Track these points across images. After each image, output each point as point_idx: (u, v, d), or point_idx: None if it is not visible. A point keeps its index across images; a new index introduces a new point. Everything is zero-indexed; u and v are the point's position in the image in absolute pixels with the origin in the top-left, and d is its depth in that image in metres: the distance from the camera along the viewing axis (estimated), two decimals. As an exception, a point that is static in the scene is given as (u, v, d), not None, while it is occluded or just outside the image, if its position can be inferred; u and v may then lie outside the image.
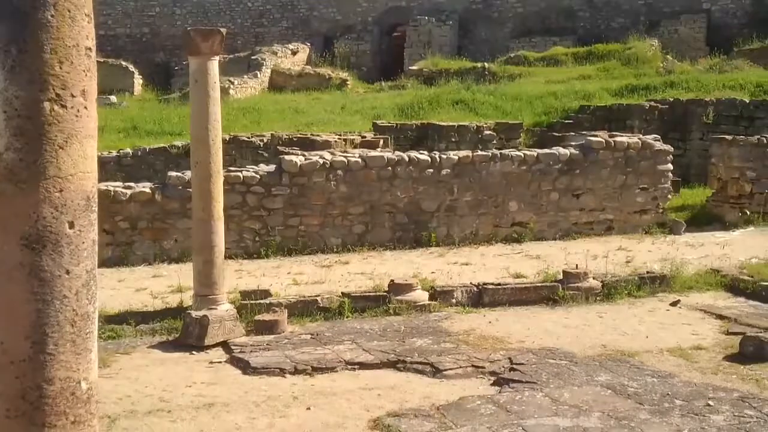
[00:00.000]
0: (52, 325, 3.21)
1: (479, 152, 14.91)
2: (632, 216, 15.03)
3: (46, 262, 3.21)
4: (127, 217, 12.76)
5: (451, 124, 20.85)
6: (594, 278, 11.11)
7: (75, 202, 3.28)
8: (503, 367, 8.21)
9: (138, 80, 33.13)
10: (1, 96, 3.21)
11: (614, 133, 16.38)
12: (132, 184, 13.31)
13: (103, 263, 11.17)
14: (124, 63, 32.86)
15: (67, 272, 3.25)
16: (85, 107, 3.34)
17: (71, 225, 3.27)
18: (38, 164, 3.21)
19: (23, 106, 3.20)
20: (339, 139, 18.06)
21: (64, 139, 3.25)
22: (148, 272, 12.17)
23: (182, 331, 9.19)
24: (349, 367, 8.27)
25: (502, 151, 15.05)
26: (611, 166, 14.88)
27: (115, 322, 9.48)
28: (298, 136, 18.95)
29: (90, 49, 3.37)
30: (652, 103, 21.65)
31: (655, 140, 15.35)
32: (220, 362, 8.53)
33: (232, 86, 28.46)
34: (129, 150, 18.19)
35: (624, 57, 28.71)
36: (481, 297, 10.71)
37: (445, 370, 8.15)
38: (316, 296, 10.24)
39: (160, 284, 11.27)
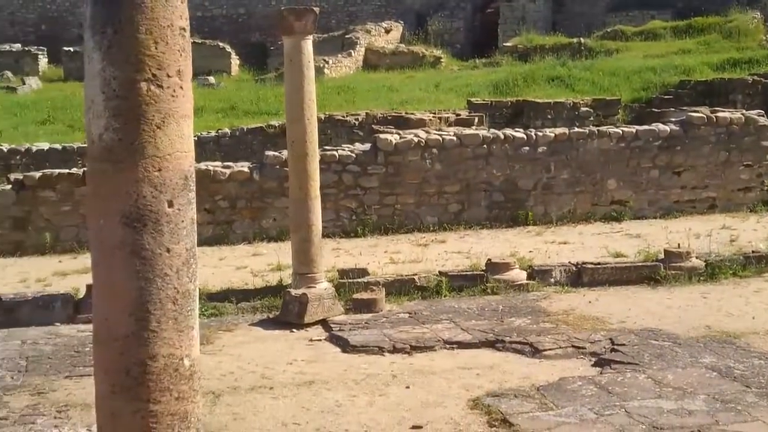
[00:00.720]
0: (154, 302, 3.25)
1: (576, 129, 14.65)
2: (735, 194, 14.57)
3: (147, 241, 3.24)
4: (226, 196, 12.94)
5: (546, 101, 20.55)
6: (697, 257, 10.79)
7: (173, 181, 3.30)
8: (604, 347, 8.05)
9: (235, 61, 33.51)
10: (100, 77, 3.25)
11: (716, 108, 15.88)
12: (230, 163, 13.48)
13: (204, 242, 11.36)
14: (221, 44, 33.25)
15: (168, 250, 3.28)
16: (181, 87, 3.35)
17: (170, 204, 3.29)
18: (136, 144, 3.24)
19: (120, 87, 3.23)
20: (433, 117, 17.95)
21: (161, 118, 3.27)
22: (247, 251, 12.34)
23: (282, 308, 9.28)
24: (448, 346, 8.22)
25: (600, 128, 14.76)
26: (713, 143, 14.44)
27: (217, 299, 9.63)
28: (393, 114, 18.91)
29: (184, 29, 3.37)
30: (755, 78, 20.92)
31: (759, 116, 14.83)
32: (319, 340, 8.59)
33: (326, 65, 28.55)
34: (227, 130, 18.43)
35: (725, 30, 27.79)
36: (580, 276, 10.52)
37: (545, 350, 8.03)
38: (413, 275, 10.21)
39: (259, 262, 11.41)
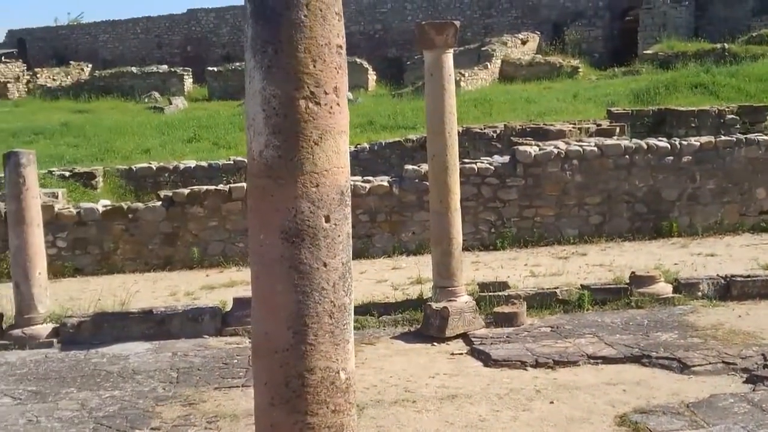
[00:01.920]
0: (311, 316, 3.30)
1: (722, 137, 14.18)
2: None
3: (305, 255, 3.31)
4: (366, 210, 13.08)
5: (690, 108, 19.98)
6: None
7: (330, 197, 3.36)
8: (756, 363, 7.74)
9: (372, 76, 33.96)
10: (260, 95, 3.33)
11: None
12: (370, 177, 13.63)
13: (345, 255, 11.49)
14: (358, 60, 33.74)
15: (325, 265, 3.34)
16: (338, 104, 3.41)
17: (327, 219, 3.35)
18: (295, 160, 3.31)
19: (280, 105, 3.30)
20: (573, 127, 17.70)
21: (319, 135, 3.33)
22: (387, 264, 12.43)
23: (423, 322, 9.30)
24: (592, 360, 8.07)
25: (748, 136, 14.25)
26: None
27: (359, 312, 9.72)
28: (531, 126, 18.75)
29: (341, 46, 3.43)
30: None
31: None
32: (461, 354, 8.57)
33: (462, 78, 28.59)
34: (366, 144, 18.65)
35: None
36: (728, 290, 10.15)
37: (694, 366, 7.79)
38: (554, 288, 10.07)
39: (399, 276, 11.48)
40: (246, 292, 10.12)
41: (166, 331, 9.42)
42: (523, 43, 34.84)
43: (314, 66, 3.32)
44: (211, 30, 46.29)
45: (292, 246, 3.30)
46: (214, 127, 24.11)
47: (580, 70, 31.52)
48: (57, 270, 12.09)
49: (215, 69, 35.95)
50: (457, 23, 9.60)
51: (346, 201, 3.43)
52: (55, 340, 9.30)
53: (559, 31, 36.71)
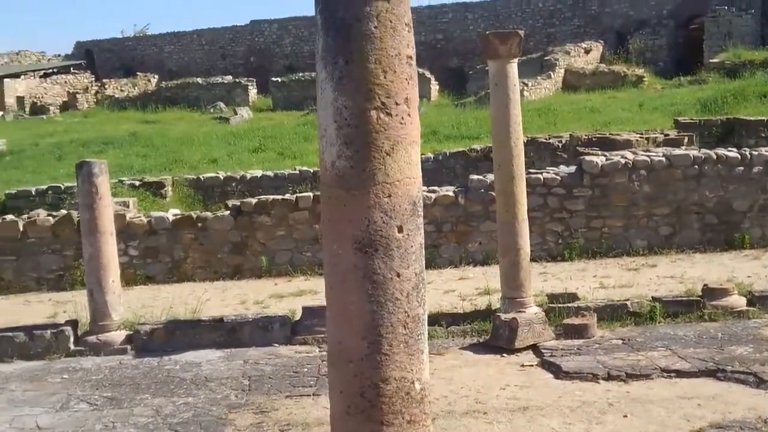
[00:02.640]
0: (386, 326, 3.31)
1: (795, 146, 13.89)
2: None
3: (378, 266, 3.32)
4: (432, 220, 13.07)
5: (759, 118, 19.61)
6: None
7: (402, 207, 3.36)
8: (835, 377, 7.54)
9: (434, 86, 33.97)
10: (332, 107, 3.36)
11: None
12: (435, 187, 13.61)
13: (411, 265, 11.49)
14: (420, 70, 33.69)
15: (398, 275, 3.34)
16: (409, 114, 3.42)
17: (400, 229, 3.36)
18: (368, 171, 3.32)
19: (352, 116, 3.32)
20: (640, 137, 17.52)
21: (391, 146, 3.34)
22: (454, 274, 12.40)
23: (492, 333, 9.24)
24: (665, 374, 7.92)
25: (821, 145, 13.93)
26: None
27: (428, 323, 9.69)
28: (597, 136, 18.59)
29: (411, 57, 3.45)
30: None
31: None
32: (531, 365, 8.49)
33: (526, 88, 28.45)
34: (430, 155, 18.64)
35: None
36: (805, 302, 9.91)
37: (770, 380, 7.61)
38: (625, 300, 9.93)
39: (466, 286, 11.44)
40: (315, 301, 10.21)
41: (236, 339, 9.51)
42: (587, 52, 34.55)
43: (385, 77, 3.34)
44: (274, 41, 46.72)
45: (365, 256, 3.31)
46: (279, 137, 24.32)
47: (644, 79, 31.15)
48: (129, 278, 12.29)
49: (279, 79, 36.26)
50: (522, 32, 9.55)
51: (418, 211, 3.44)
52: (129, 347, 9.45)
53: (623, 40, 36.33)
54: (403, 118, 3.39)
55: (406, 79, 3.42)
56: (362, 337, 3.30)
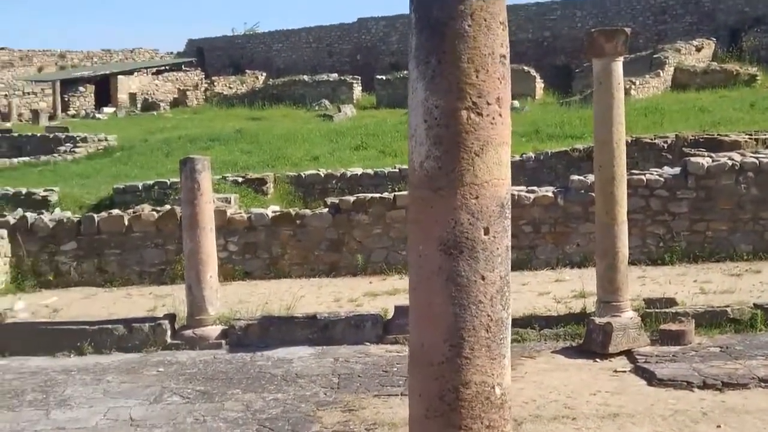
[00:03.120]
0: (468, 329, 3.27)
1: None
2: None
3: (463, 268, 3.28)
4: (530, 221, 12.92)
5: None
6: None
7: (490, 209, 3.31)
8: None
9: (539, 84, 33.62)
10: (422, 106, 3.33)
11: None
12: (535, 187, 13.46)
13: (507, 266, 11.38)
14: (525, 68, 33.47)
15: (483, 278, 3.30)
16: (500, 114, 3.36)
17: (486, 231, 3.31)
18: (456, 171, 3.28)
19: (442, 115, 3.29)
20: (749, 138, 17.00)
21: (480, 146, 3.29)
22: (550, 276, 12.24)
23: (585, 337, 9.09)
24: (763, 384, 7.66)
25: None
26: None
27: (520, 325, 9.59)
28: (704, 136, 18.10)
29: (504, 56, 3.39)
30: None
31: None
32: (624, 371, 8.32)
33: (633, 86, 27.91)
34: (531, 154, 18.44)
35: None
36: None
37: None
38: (725, 306, 9.64)
39: (562, 289, 11.28)
40: (408, 300, 10.18)
41: (329, 336, 9.58)
42: (698, 50, 33.66)
43: (477, 76, 3.29)
44: (380, 38, 46.97)
45: (450, 258, 3.28)
46: (381, 135, 24.41)
47: (758, 78, 30.17)
48: (228, 273, 12.50)
49: (383, 77, 36.43)
50: (628, 30, 9.35)
51: (506, 213, 3.38)
52: (223, 342, 9.61)
53: (737, 37, 35.27)
54: (494, 118, 3.34)
55: (499, 79, 3.37)
56: (444, 340, 3.27)
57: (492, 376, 3.30)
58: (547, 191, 13.17)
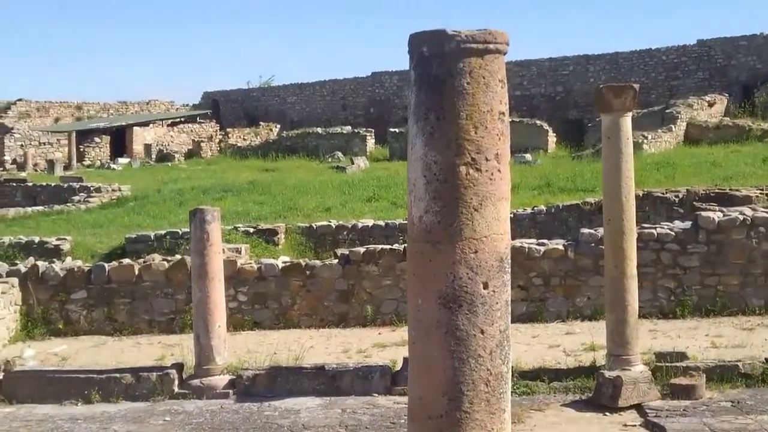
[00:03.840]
0: (467, 383, 3.28)
1: None
2: None
3: (462, 321, 3.30)
4: (540, 274, 12.91)
5: None
6: None
7: (489, 263, 3.34)
8: None
9: (551, 138, 33.79)
10: (421, 161, 3.38)
11: None
12: (545, 240, 13.46)
13: (518, 319, 11.38)
14: (538, 122, 33.68)
15: (482, 332, 3.32)
16: (499, 170, 3.41)
17: (485, 285, 3.33)
18: (454, 226, 3.32)
19: (441, 171, 3.34)
20: (760, 193, 16.98)
21: (479, 201, 3.34)
22: (561, 329, 12.19)
23: (595, 390, 9.04)
24: (775, 440, 7.60)
25: None
26: None
27: (529, 377, 9.56)
28: (716, 191, 18.09)
29: (503, 113, 3.45)
30: None
31: None
32: (634, 425, 8.26)
33: (645, 140, 28.01)
34: (543, 207, 18.46)
35: None
36: None
37: None
38: (736, 361, 9.58)
39: (572, 341, 11.23)
40: (416, 352, 10.17)
41: (336, 387, 9.56)
42: (710, 105, 33.80)
43: (476, 132, 3.35)
44: (394, 92, 47.36)
45: (449, 312, 3.30)
46: (394, 186, 24.51)
47: (771, 133, 30.22)
48: (237, 323, 12.51)
49: (396, 130, 36.66)
50: (637, 86, 9.43)
51: (505, 268, 3.41)
52: (231, 392, 9.59)
53: (749, 93, 35.41)
54: (492, 174, 3.39)
55: (498, 135, 3.42)
56: (443, 394, 3.28)
57: (492, 431, 3.30)
58: (558, 244, 13.17)
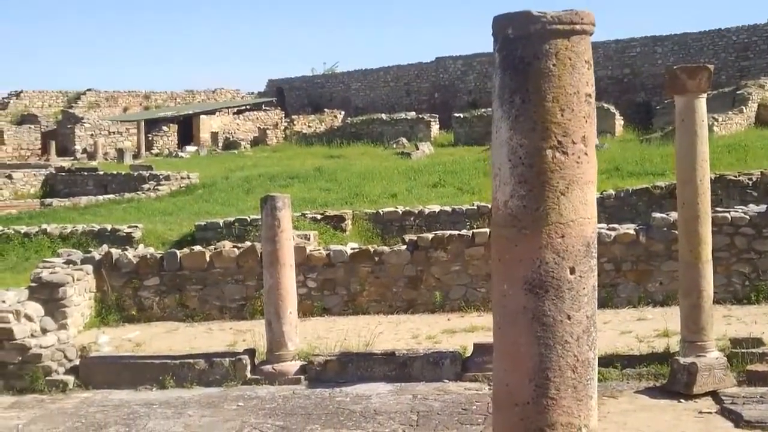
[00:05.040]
0: (554, 369, 3.24)
1: None
2: None
3: (548, 307, 3.26)
4: (611, 259, 12.75)
5: None
6: None
7: (575, 248, 3.30)
8: None
9: (619, 121, 33.35)
10: (507, 145, 3.34)
11: None
12: (616, 225, 13.29)
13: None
14: (605, 105, 33.21)
15: (568, 318, 3.27)
16: (585, 153, 3.36)
17: (572, 270, 3.29)
18: (540, 210, 3.28)
19: (526, 154, 3.30)
20: (838, 175, 16.55)
21: (566, 185, 3.29)
22: (632, 315, 12.04)
23: (669, 377, 8.91)
24: None
25: None
26: None
27: (602, 364, 9.37)
28: (791, 173, 17.69)
29: (590, 95, 3.39)
30: None
31: None
32: (709, 413, 8.12)
33: (715, 123, 27.48)
34: (611, 191, 18.25)
35: None
36: None
37: None
38: (811, 347, 9.36)
39: (644, 327, 11.08)
40: (487, 338, 10.10)
41: (407, 373, 9.56)
42: (783, 85, 33.02)
43: (562, 115, 3.30)
44: (458, 77, 47.15)
45: (535, 297, 3.26)
46: (459, 172, 24.42)
47: None
48: (306, 309, 12.58)
49: (461, 115, 36.51)
50: (711, 67, 9.23)
51: (592, 253, 3.36)
52: (302, 377, 9.65)
53: (827, 72, 34.52)
54: (579, 157, 3.34)
55: (584, 118, 3.37)
56: (529, 380, 3.25)
57: (578, 418, 3.26)
58: (629, 229, 12.99)
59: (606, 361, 9.50)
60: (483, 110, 35.66)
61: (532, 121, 3.28)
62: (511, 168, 3.31)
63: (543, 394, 3.23)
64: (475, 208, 17.42)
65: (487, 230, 13.16)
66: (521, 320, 3.27)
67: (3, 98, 54.59)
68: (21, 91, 54.05)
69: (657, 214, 13.14)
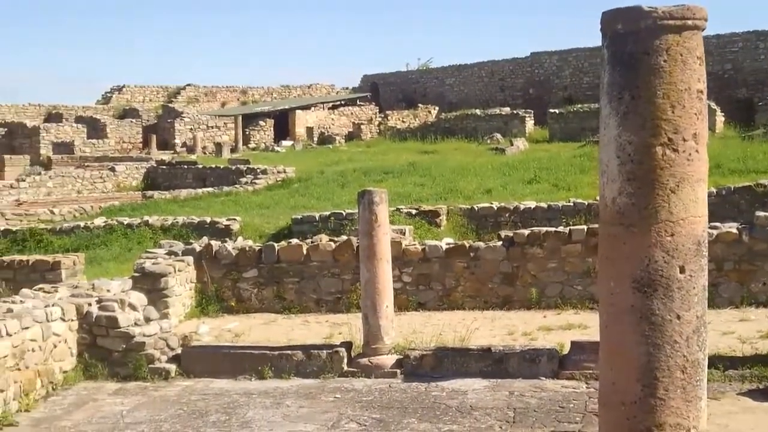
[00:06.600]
0: (662, 369, 3.20)
1: None
2: None
3: (657, 306, 3.22)
4: (712, 258, 12.39)
5: None
6: None
7: (686, 247, 3.25)
8: None
9: (720, 118, 32.61)
10: (615, 142, 3.31)
11: None
12: (717, 223, 12.97)
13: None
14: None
15: (678, 317, 3.23)
16: (696, 150, 3.31)
17: (682, 269, 3.24)
18: (650, 208, 3.24)
19: (635, 152, 3.26)
20: None
21: (676, 183, 3.25)
22: (734, 315, 11.75)
23: (775, 380, 8.68)
24: None
25: None
26: None
27: (704, 366, 9.26)
28: None
29: (701, 91, 3.34)
30: None
31: None
32: (818, 418, 7.88)
33: (822, 120, 26.63)
34: (713, 189, 17.82)
35: None
36: None
37: None
38: None
39: (747, 328, 10.81)
40: (584, 336, 10.02)
41: (503, 369, 9.51)
42: None
43: (673, 112, 3.25)
44: (553, 72, 46.67)
45: (643, 296, 3.23)
46: (554, 168, 24.18)
47: None
48: (401, 303, 12.62)
49: (556, 111, 36.15)
50: (822, 62, 8.95)
51: (702, 252, 3.31)
52: (398, 371, 9.69)
53: None
54: (690, 154, 3.29)
55: (695, 114, 3.32)
56: (637, 380, 3.22)
57: (687, 419, 3.22)
58: (731, 227, 12.67)
59: (708, 362, 9.29)
60: (579, 106, 35.25)
61: (642, 118, 3.25)
62: (619, 165, 3.29)
63: (651, 394, 3.20)
64: (571, 204, 17.24)
65: (584, 227, 13.01)
66: (629, 319, 3.24)
67: (106, 92, 56.26)
68: (123, 86, 55.59)
69: (761, 213, 12.78)
